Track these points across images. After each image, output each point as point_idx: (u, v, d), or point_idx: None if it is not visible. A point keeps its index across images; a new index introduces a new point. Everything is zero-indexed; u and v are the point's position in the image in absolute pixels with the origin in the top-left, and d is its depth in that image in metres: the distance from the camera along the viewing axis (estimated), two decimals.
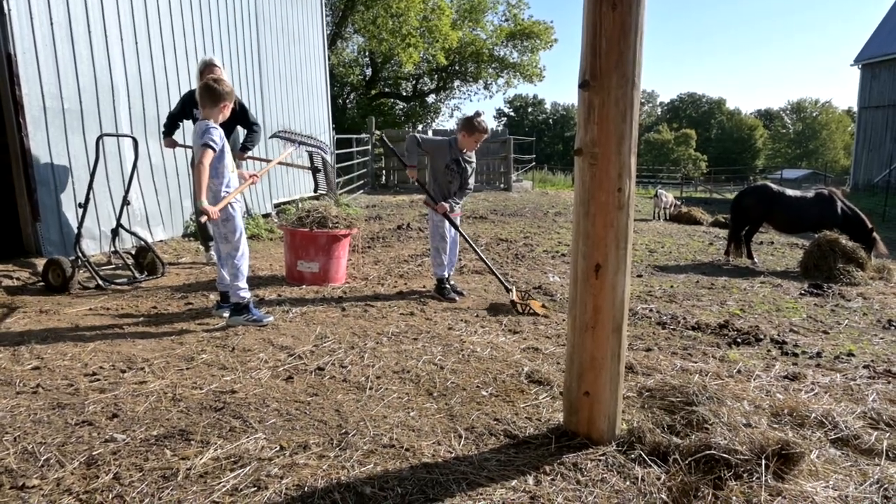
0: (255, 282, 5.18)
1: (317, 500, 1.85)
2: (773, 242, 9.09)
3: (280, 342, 3.46)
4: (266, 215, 8.66)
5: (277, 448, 2.18)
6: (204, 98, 3.62)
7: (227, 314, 3.90)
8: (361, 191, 14.41)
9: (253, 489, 1.91)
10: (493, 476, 2.03)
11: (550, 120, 75.19)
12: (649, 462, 2.12)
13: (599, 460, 2.13)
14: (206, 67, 5.28)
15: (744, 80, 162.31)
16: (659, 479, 2.02)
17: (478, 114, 4.68)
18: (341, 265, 5.18)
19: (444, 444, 2.27)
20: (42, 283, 4.78)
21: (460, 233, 4.88)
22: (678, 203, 13.68)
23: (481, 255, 5.00)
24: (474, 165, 4.81)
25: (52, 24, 5.45)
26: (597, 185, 2.13)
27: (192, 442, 2.22)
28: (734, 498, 1.87)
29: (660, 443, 2.21)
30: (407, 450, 2.20)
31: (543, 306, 4.43)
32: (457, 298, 4.67)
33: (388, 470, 2.05)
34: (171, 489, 1.90)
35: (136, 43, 6.52)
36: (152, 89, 6.78)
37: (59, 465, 2.06)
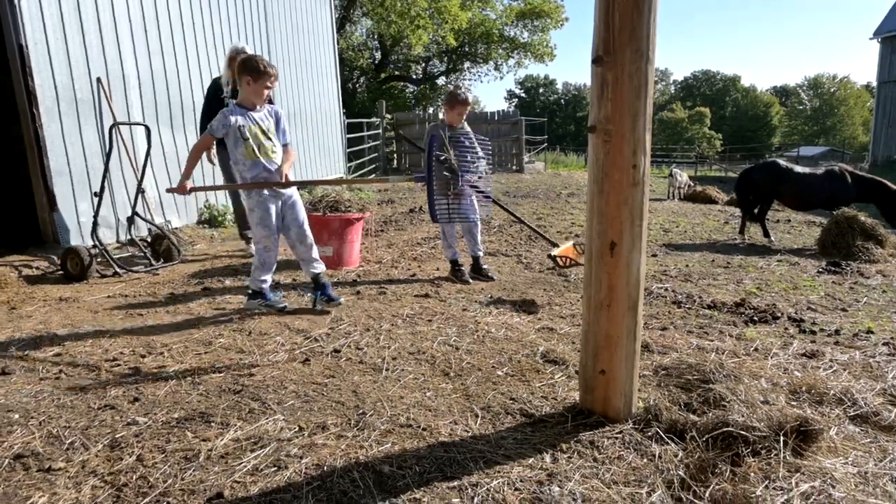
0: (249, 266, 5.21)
1: (336, 479, 1.87)
2: (789, 220, 8.98)
3: (296, 325, 3.49)
4: None
5: (296, 429, 2.21)
6: (241, 72, 3.53)
7: (315, 297, 3.86)
8: (373, 175, 14.40)
9: (273, 469, 1.93)
10: (510, 454, 2.04)
11: (562, 100, 74.48)
12: (666, 439, 2.12)
13: (616, 438, 2.14)
14: (237, 55, 5.17)
15: (759, 56, 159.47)
16: (676, 456, 2.02)
17: (457, 87, 4.81)
18: (355, 249, 5.19)
19: (460, 423, 2.28)
20: (61, 272, 4.85)
21: (500, 205, 5.00)
22: (692, 183, 13.53)
23: (520, 217, 5.00)
24: (471, 136, 4.79)
25: (62, 14, 5.47)
26: (611, 162, 2.11)
27: (213, 424, 2.25)
28: (752, 474, 1.87)
29: (676, 420, 2.21)
30: (424, 429, 2.21)
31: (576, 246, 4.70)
32: (471, 281, 4.67)
33: (406, 449, 2.06)
34: (193, 470, 1.93)
35: (146, 32, 6.53)
36: (163, 78, 6.80)
37: (83, 447, 2.10)
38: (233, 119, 3.50)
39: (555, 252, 4.65)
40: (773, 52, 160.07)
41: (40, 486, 1.87)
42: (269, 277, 3.82)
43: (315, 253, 3.84)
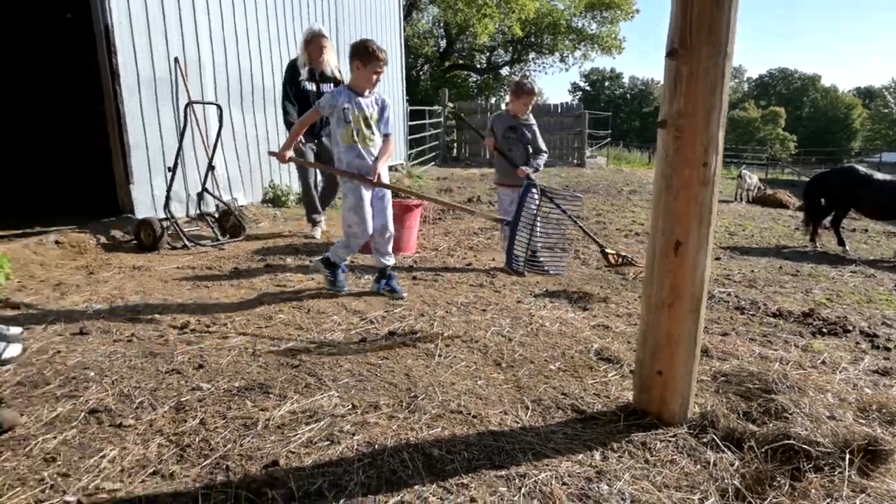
0: (312, 247, 5.33)
1: (386, 457, 1.91)
2: (867, 230, 8.51)
3: (353, 306, 3.56)
4: None
5: (350, 406, 2.26)
6: (352, 55, 3.56)
7: (381, 283, 3.85)
8: (433, 163, 14.47)
9: (326, 443, 1.99)
10: (559, 448, 2.03)
11: (628, 95, 72.58)
12: (722, 447, 2.06)
13: (669, 441, 2.09)
14: (314, 37, 5.21)
15: (842, 55, 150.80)
16: (732, 465, 1.97)
17: (524, 76, 4.75)
18: (412, 235, 5.24)
19: (510, 413, 2.28)
20: (135, 242, 5.10)
21: (555, 203, 4.90)
22: (762, 186, 12.98)
23: (575, 220, 4.94)
24: (535, 128, 4.76)
25: None
26: (681, 158, 2.05)
27: (271, 395, 2.33)
28: (813, 490, 1.80)
29: (734, 429, 2.14)
30: (474, 417, 2.23)
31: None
32: (526, 273, 4.64)
33: (456, 434, 2.08)
34: (251, 437, 2.01)
35: (222, 14, 6.75)
36: (235, 60, 7.01)
37: (151, 407, 2.21)
38: (340, 100, 3.53)
39: (608, 249, 4.57)
40: (858, 52, 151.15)
41: (112, 439, 1.98)
42: (348, 259, 3.84)
43: (391, 247, 3.83)
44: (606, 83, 72.49)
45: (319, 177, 6.03)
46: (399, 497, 1.71)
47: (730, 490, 1.83)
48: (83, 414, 2.14)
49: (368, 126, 3.61)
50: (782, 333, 3.46)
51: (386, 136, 3.73)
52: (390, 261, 3.85)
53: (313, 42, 5.24)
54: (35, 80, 8.72)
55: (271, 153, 3.89)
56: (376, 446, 1.98)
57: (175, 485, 1.74)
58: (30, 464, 1.83)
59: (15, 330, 2.86)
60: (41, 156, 9.01)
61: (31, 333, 2.93)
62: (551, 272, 3.98)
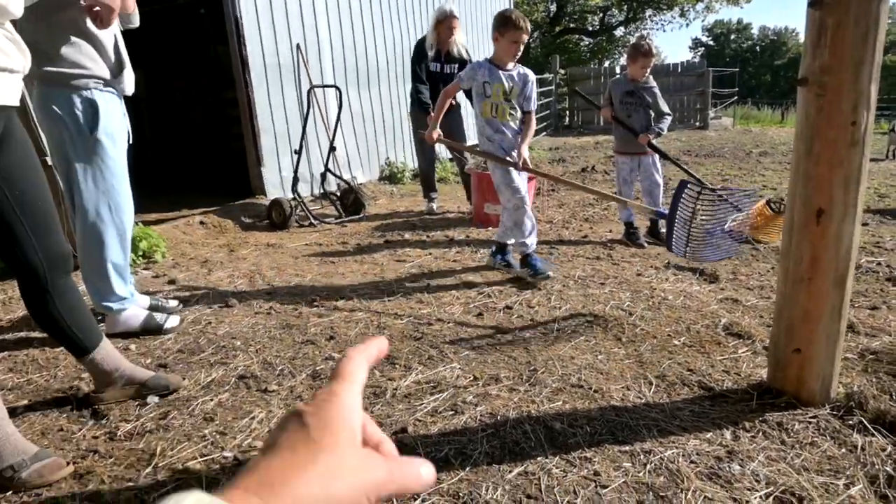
0: (444, 223, 5.45)
1: (509, 429, 1.96)
2: None
3: (470, 280, 3.63)
4: (451, 159, 8.96)
5: (471, 378, 2.33)
6: (493, 27, 3.49)
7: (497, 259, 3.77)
8: (544, 133, 14.21)
9: (450, 413, 2.07)
10: (685, 426, 1.98)
11: (757, 47, 66.61)
12: (872, 430, 1.90)
13: (809, 422, 1.96)
14: (445, 18, 5.22)
15: None
16: (884, 450, 1.82)
17: (641, 37, 4.55)
18: None
19: (633, 389, 2.25)
20: (267, 221, 5.50)
21: (680, 166, 4.71)
22: None
23: (701, 180, 4.72)
24: (655, 90, 4.52)
25: None
26: (824, 118, 1.88)
27: (397, 366, 2.45)
28: None
29: (886, 411, 1.97)
30: (595, 391, 2.22)
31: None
32: (645, 245, 4.49)
33: (577, 408, 2.09)
34: (381, 405, 2.14)
35: (338, 0, 6.98)
36: (352, 42, 7.25)
37: (290, 375, 2.41)
38: (479, 73, 3.50)
39: (729, 225, 4.30)
40: None
41: (259, 403, 2.19)
42: (529, 241, 3.57)
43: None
44: (732, 36, 66.91)
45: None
46: (523, 467, 1.76)
47: (881, 477, 1.69)
48: (234, 379, 2.38)
49: (508, 100, 3.52)
50: None
51: (527, 114, 3.62)
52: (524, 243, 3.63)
53: (444, 22, 5.26)
54: (172, 71, 9.54)
55: (420, 135, 3.87)
56: (498, 417, 2.03)
57: None
58: (193, 422, 2.07)
59: (173, 303, 3.22)
60: (183, 143, 9.90)
61: (187, 305, 3.28)
62: (713, 258, 3.45)
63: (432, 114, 4.98)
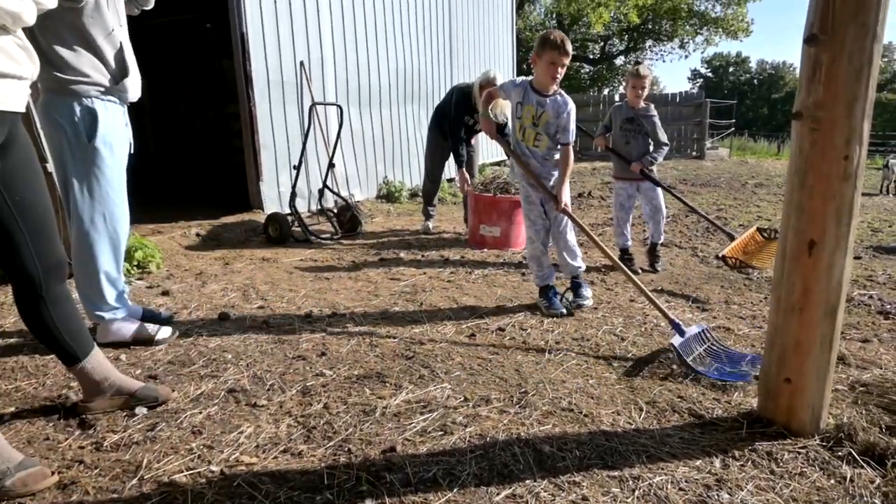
0: (439, 243, 5.47)
1: (497, 451, 1.95)
2: None
3: (463, 301, 3.64)
4: (450, 180, 9.02)
5: (462, 399, 2.32)
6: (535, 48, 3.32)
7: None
8: None
9: (440, 433, 2.06)
10: (675, 453, 1.97)
11: (755, 80, 67.51)
12: (861, 462, 1.90)
13: (799, 453, 1.96)
14: (487, 83, 5.09)
15: None
16: (873, 482, 1.81)
17: (637, 62, 4.58)
18: (522, 231, 5.23)
19: (623, 414, 2.24)
20: (263, 235, 5.50)
21: (674, 195, 4.75)
22: None
23: (692, 206, 4.76)
24: (655, 119, 4.56)
25: (275, 5, 6.11)
26: (818, 152, 1.90)
27: (387, 384, 2.45)
28: None
29: (875, 443, 1.97)
30: (585, 415, 2.21)
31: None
32: (639, 271, 4.51)
33: (567, 432, 2.08)
34: (370, 423, 2.13)
35: (343, 19, 7.08)
36: (355, 62, 7.34)
37: (280, 390, 2.40)
38: (516, 92, 3.38)
39: (724, 252, 4.37)
40: None
41: (248, 417, 2.18)
42: (544, 273, 3.50)
43: (569, 258, 3.54)
44: (731, 69, 67.84)
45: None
46: (511, 490, 1.75)
47: None
48: (223, 392, 2.36)
49: (535, 125, 3.35)
50: None
51: (563, 146, 3.39)
52: (575, 270, 3.55)
53: (487, 85, 5.06)
54: (177, 84, 9.62)
55: (487, 132, 3.59)
56: (488, 439, 2.02)
57: (303, 463, 1.89)
58: (181, 435, 2.05)
59: (166, 314, 3.21)
60: (184, 155, 9.95)
61: (179, 317, 3.27)
62: (720, 378, 2.59)
63: (463, 170, 5.36)
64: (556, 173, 3.43)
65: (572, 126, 3.38)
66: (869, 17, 1.80)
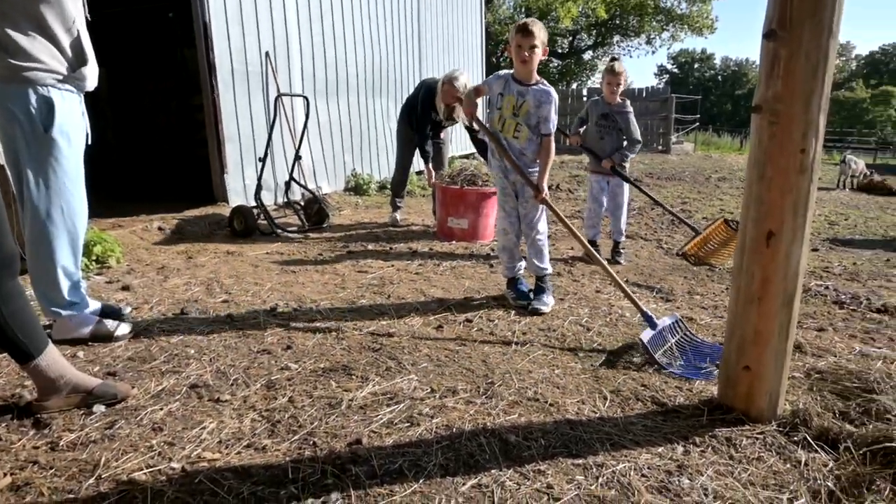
0: (408, 235, 5.45)
1: (464, 441, 1.95)
2: None
3: (431, 293, 3.63)
4: (419, 172, 8.99)
5: (428, 390, 2.32)
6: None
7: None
8: None
9: (406, 424, 2.06)
10: (638, 440, 2.00)
11: (719, 77, 68.95)
12: (815, 447, 1.96)
13: (756, 438, 2.01)
14: (448, 81, 5.14)
15: None
16: (826, 465, 1.87)
17: (613, 58, 4.65)
18: (490, 223, 5.25)
19: (588, 403, 2.27)
20: (228, 228, 5.40)
21: (643, 191, 4.83)
22: (868, 172, 12.02)
23: (659, 201, 4.84)
24: (630, 116, 4.63)
25: None
26: (776, 145, 1.95)
27: (354, 377, 2.43)
28: None
29: (829, 428, 2.03)
30: (551, 405, 2.23)
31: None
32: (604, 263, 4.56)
33: (532, 422, 2.10)
34: (336, 416, 2.11)
35: (309, 9, 6.97)
36: (322, 53, 7.24)
37: (245, 384, 2.36)
38: (497, 84, 3.34)
39: (685, 248, 4.52)
40: None
41: (210, 413, 2.14)
42: (514, 266, 3.53)
43: (536, 258, 3.48)
44: (696, 65, 69.17)
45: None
46: (477, 480, 1.75)
47: (822, 491, 1.74)
48: (185, 388, 2.31)
49: (516, 115, 3.28)
50: (887, 330, 3.23)
51: (543, 137, 3.31)
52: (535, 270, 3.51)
53: (446, 85, 5.18)
54: (138, 74, 9.37)
55: (469, 115, 3.47)
56: (454, 430, 2.02)
57: (267, 457, 1.86)
58: (140, 432, 2.00)
59: (126, 309, 3.13)
60: (146, 147, 9.70)
61: (140, 312, 3.19)
62: (685, 375, 2.59)
63: (430, 166, 5.53)
64: (532, 169, 3.36)
65: (553, 117, 3.30)
66: (825, 14, 1.84)
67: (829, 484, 1.78)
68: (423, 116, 5.47)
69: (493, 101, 3.40)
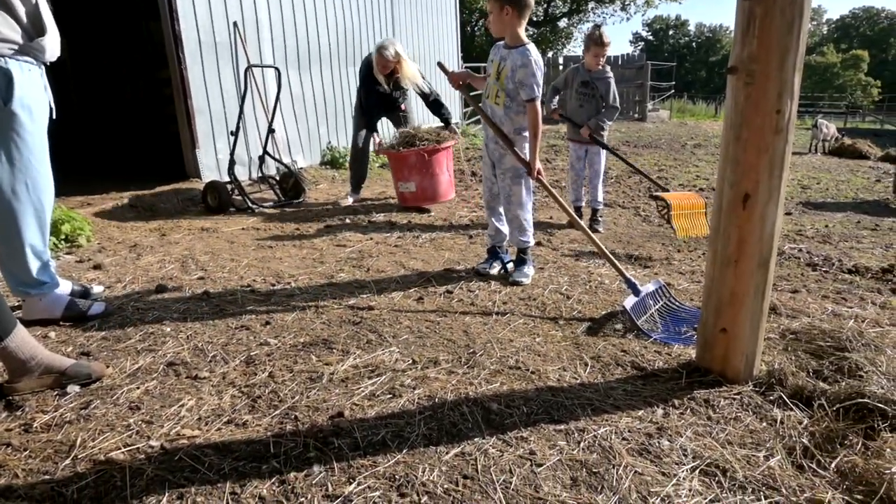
0: (386, 208, 5.40)
1: (446, 411, 1.95)
2: None
3: (411, 265, 3.61)
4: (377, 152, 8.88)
5: (410, 361, 2.31)
6: None
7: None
8: None
9: (388, 396, 2.05)
10: (618, 404, 2.02)
11: (693, 44, 68.94)
12: (790, 405, 2.00)
13: (734, 399, 2.05)
14: (378, 52, 5.14)
15: None
16: (800, 423, 1.91)
17: (596, 26, 4.59)
18: (440, 182, 5.10)
19: (569, 370, 2.28)
20: (202, 204, 5.30)
21: (620, 157, 4.85)
22: (839, 135, 12.18)
23: (637, 167, 4.85)
24: (610, 81, 4.60)
25: None
26: (752, 106, 1.94)
27: (334, 350, 2.41)
28: (888, 450, 1.73)
29: (803, 387, 2.07)
30: (532, 372, 2.24)
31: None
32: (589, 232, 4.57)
33: (514, 390, 2.11)
34: (317, 390, 2.10)
35: None
36: (292, 22, 7.04)
37: (223, 361, 2.33)
38: (492, 51, 3.22)
39: (661, 193, 4.59)
40: None
41: (189, 390, 2.11)
42: (494, 237, 3.48)
43: (516, 230, 3.38)
44: (671, 32, 69.04)
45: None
46: (460, 448, 1.75)
47: (797, 448, 1.78)
48: (162, 366, 2.28)
49: (497, 79, 3.13)
50: (858, 290, 3.30)
51: (528, 104, 3.07)
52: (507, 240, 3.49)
53: (378, 56, 5.17)
54: (101, 48, 9.05)
55: (453, 83, 3.35)
56: (436, 400, 2.02)
57: (248, 433, 1.84)
58: (117, 411, 1.97)
59: (98, 288, 3.06)
60: (114, 123, 9.42)
61: (113, 291, 3.12)
62: (664, 340, 2.62)
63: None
64: (517, 138, 3.19)
65: (533, 80, 3.01)
66: None
67: (803, 440, 1.82)
68: (367, 93, 5.40)
69: (489, 67, 3.28)
